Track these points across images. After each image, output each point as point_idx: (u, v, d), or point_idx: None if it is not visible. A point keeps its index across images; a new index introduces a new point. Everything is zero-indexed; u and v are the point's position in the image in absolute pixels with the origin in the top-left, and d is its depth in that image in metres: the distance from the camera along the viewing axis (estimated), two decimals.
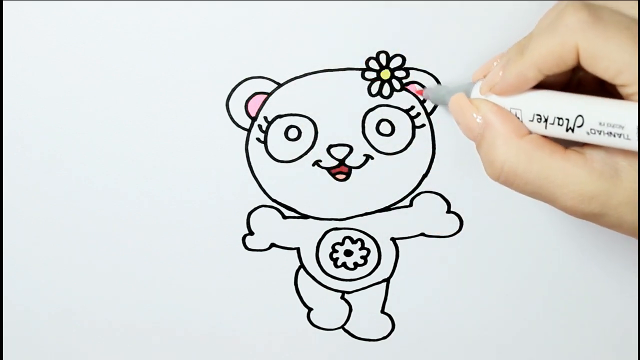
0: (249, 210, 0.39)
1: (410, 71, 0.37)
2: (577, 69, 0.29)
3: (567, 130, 0.29)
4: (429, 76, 0.37)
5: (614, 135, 0.27)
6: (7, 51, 0.37)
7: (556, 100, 0.30)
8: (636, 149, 0.27)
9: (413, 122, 0.38)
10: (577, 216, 0.30)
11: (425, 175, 0.38)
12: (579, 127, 0.28)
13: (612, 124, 0.27)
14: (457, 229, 0.39)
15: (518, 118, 0.31)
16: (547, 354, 0.41)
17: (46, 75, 0.37)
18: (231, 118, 0.38)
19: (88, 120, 0.38)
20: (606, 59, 0.27)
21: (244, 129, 0.38)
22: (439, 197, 0.39)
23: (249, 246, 0.40)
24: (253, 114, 0.38)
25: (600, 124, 0.27)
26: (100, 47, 0.37)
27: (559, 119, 0.29)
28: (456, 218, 0.39)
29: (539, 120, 0.30)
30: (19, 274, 0.41)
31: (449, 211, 0.39)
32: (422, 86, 0.37)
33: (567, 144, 0.30)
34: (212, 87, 0.37)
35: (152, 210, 0.40)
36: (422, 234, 0.40)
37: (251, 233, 0.40)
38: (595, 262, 0.40)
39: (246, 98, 0.37)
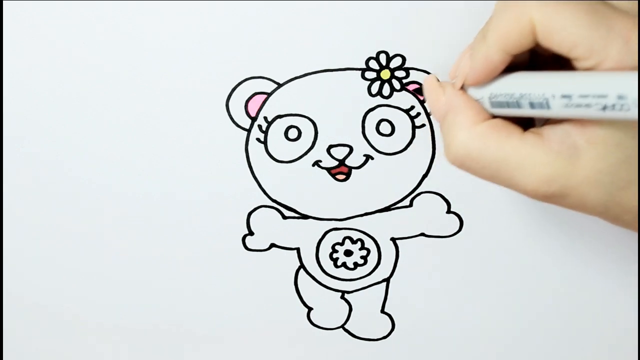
0: (249, 211, 0.39)
1: (410, 71, 0.37)
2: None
3: (537, 108, 0.29)
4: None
5: (588, 107, 0.27)
6: (7, 51, 0.37)
7: (525, 80, 0.29)
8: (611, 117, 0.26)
9: (413, 122, 0.38)
10: (538, 199, 0.30)
11: (425, 175, 0.38)
12: (549, 103, 0.28)
13: (585, 95, 0.27)
14: (457, 229, 0.39)
15: (482, 104, 0.31)
16: (547, 354, 0.41)
17: (46, 75, 0.37)
18: (231, 118, 0.38)
19: (88, 120, 0.38)
20: (561, 32, 0.27)
21: (244, 129, 0.38)
22: (439, 197, 0.39)
23: (249, 246, 0.40)
24: (253, 114, 0.38)
25: (570, 97, 0.27)
26: (100, 47, 0.37)
27: (528, 98, 0.29)
28: (456, 218, 0.39)
29: (505, 105, 0.30)
30: (19, 274, 0.41)
31: (449, 211, 0.39)
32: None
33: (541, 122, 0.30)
34: (212, 87, 0.37)
35: (153, 211, 0.40)
36: (422, 234, 0.40)
37: (251, 233, 0.40)
38: (596, 262, 0.40)
39: (246, 98, 0.37)
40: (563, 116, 0.28)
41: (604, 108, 0.26)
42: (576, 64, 0.28)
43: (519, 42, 0.29)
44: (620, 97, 0.25)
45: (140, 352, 0.43)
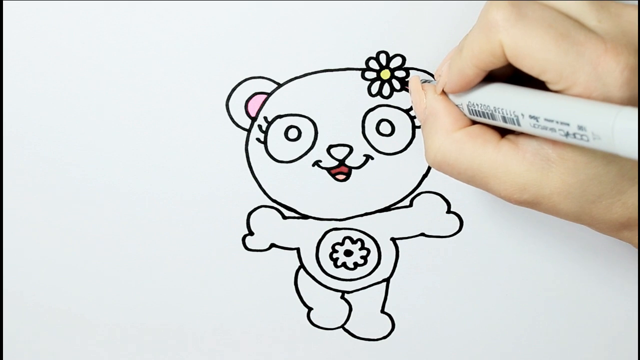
0: (249, 211, 0.39)
1: (410, 71, 0.37)
2: None
3: (509, 122, 0.29)
4: (429, 76, 0.37)
5: (553, 130, 0.27)
6: (7, 51, 0.37)
7: (500, 95, 0.30)
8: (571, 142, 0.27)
9: (413, 122, 0.38)
10: (513, 203, 0.31)
11: (425, 175, 0.38)
12: (519, 121, 0.28)
13: (550, 120, 0.27)
14: (457, 229, 0.39)
15: (462, 110, 0.32)
16: (547, 354, 0.41)
17: (46, 75, 0.37)
18: (231, 118, 0.38)
19: (88, 120, 0.38)
20: (529, 57, 0.27)
21: (244, 129, 0.38)
22: (439, 197, 0.39)
23: (249, 246, 0.40)
24: (253, 114, 0.38)
25: (537, 118, 0.27)
26: (100, 47, 0.37)
27: (501, 112, 0.29)
28: (456, 218, 0.39)
29: (482, 114, 0.31)
30: (19, 274, 0.41)
31: (449, 211, 0.39)
32: None
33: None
34: (212, 87, 0.37)
35: (152, 211, 0.40)
36: (422, 234, 0.40)
37: (251, 233, 0.40)
38: (596, 262, 0.40)
39: (246, 98, 0.37)
40: (532, 133, 0.28)
41: (567, 135, 0.26)
42: (547, 85, 0.28)
43: (490, 62, 0.29)
44: (580, 128, 0.26)
45: (140, 352, 0.43)
